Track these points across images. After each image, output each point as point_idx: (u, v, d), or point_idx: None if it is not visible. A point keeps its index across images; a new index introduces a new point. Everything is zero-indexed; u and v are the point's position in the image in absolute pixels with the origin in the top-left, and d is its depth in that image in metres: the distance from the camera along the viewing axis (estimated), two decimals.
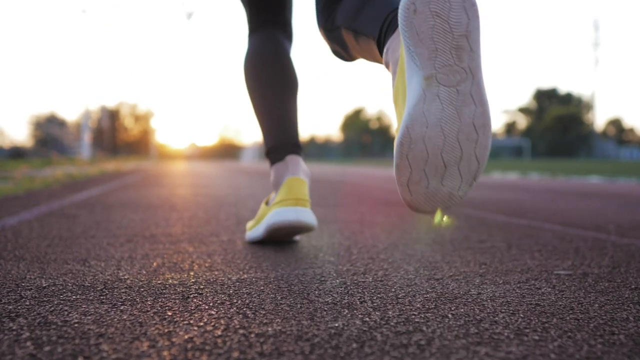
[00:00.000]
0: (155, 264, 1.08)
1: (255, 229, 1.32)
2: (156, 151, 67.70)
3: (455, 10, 0.74)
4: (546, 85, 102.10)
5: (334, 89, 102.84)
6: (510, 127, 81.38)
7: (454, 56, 0.75)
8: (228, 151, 76.40)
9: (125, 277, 0.95)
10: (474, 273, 1.01)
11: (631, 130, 69.94)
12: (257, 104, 1.36)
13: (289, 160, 1.26)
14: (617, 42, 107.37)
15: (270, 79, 1.34)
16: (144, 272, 1.00)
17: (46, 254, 1.17)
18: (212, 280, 0.93)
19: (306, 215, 1.20)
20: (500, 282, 0.94)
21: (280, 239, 1.30)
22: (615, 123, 71.45)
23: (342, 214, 2.12)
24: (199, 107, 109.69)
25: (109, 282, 0.91)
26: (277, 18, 1.39)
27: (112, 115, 72.55)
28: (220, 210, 2.24)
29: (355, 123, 79.00)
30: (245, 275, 0.97)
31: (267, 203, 1.31)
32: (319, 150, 74.12)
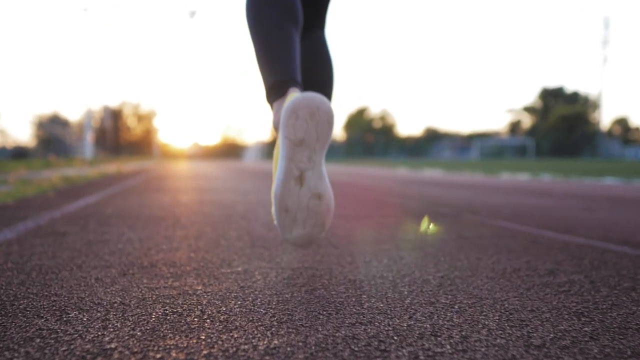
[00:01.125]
0: (153, 316, 0.82)
1: (273, 189, 1.16)
2: (159, 151, 67.53)
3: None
4: (552, 84, 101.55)
5: (338, 88, 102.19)
6: (514, 127, 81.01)
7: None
8: (230, 150, 76.19)
9: (112, 344, 0.70)
10: (575, 331, 0.75)
11: (637, 130, 69.50)
12: (256, 38, 1.29)
13: (290, 92, 1.18)
14: (626, 40, 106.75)
15: (270, 17, 1.27)
16: (138, 333, 0.74)
17: (15, 300, 0.91)
18: (231, 351, 0.68)
19: (315, 97, 1.09)
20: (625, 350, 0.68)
21: (301, 136, 1.07)
22: (622, 122, 71.02)
23: (369, 229, 1.86)
24: (201, 107, 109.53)
25: (88, 357, 0.66)
26: None
27: (115, 115, 72.39)
28: (229, 225, 1.99)
29: (358, 122, 78.69)
30: (276, 341, 0.71)
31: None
32: None
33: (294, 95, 1.10)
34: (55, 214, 2.24)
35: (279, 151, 1.16)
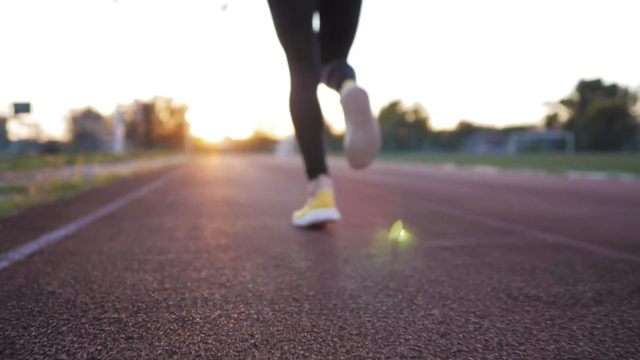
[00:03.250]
0: None
1: (301, 219, 2.00)
2: (191, 145, 67.36)
3: (361, 102, 1.82)
4: (590, 76, 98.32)
5: (369, 81, 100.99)
6: (551, 120, 78.77)
7: (360, 117, 1.84)
8: (262, 145, 75.69)
9: None
10: None
11: None
12: (298, 139, 2.04)
13: (320, 178, 1.96)
14: None
15: (306, 122, 2.00)
16: None
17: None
18: None
19: (334, 212, 1.91)
20: None
21: (316, 225, 1.98)
22: None
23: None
24: (233, 101, 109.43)
25: None
26: (309, 64, 2.03)
27: (148, 109, 72.68)
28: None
29: (390, 116, 77.49)
30: None
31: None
32: None
33: (323, 181, 1.96)
34: None
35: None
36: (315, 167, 1.97)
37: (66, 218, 2.17)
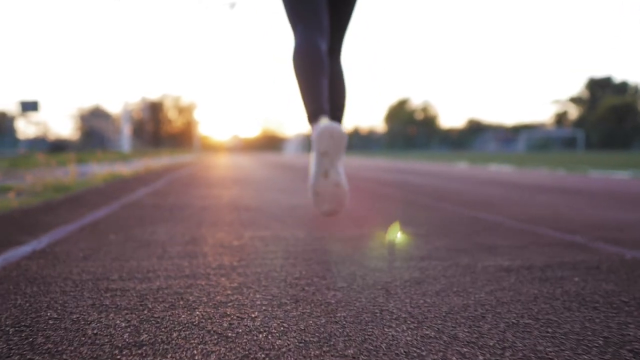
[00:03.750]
0: None
1: (311, 172, 1.96)
2: (199, 143, 67.21)
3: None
4: (600, 73, 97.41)
5: (378, 79, 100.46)
6: (560, 118, 78.16)
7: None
8: (270, 143, 75.44)
9: None
10: None
11: None
12: (299, 83, 2.01)
13: (321, 119, 1.92)
14: None
15: (308, 65, 1.99)
16: None
17: None
18: None
19: (337, 126, 1.86)
20: None
21: (325, 149, 1.85)
22: None
23: None
24: (242, 99, 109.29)
25: None
26: (318, 24, 2.07)
27: (156, 108, 72.63)
28: None
29: (399, 114, 77.09)
30: None
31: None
32: (362, 141, 72.37)
33: (322, 122, 1.88)
34: None
35: (313, 158, 1.92)
36: (316, 108, 1.95)
37: (41, 228, 1.83)
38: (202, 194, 3.28)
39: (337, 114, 2.19)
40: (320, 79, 1.97)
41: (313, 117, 1.94)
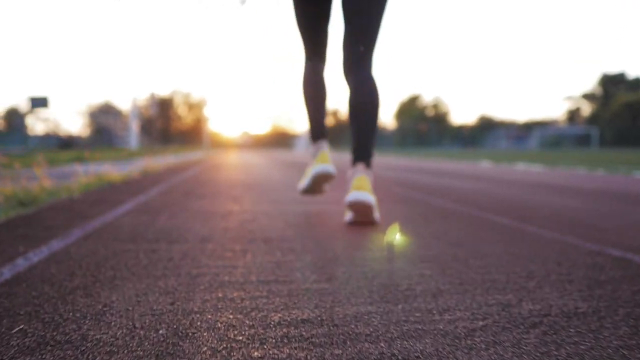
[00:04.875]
0: None
1: (304, 181, 2.43)
2: (209, 140, 66.63)
3: (364, 211, 2.03)
4: (613, 69, 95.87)
5: (388, 75, 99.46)
6: (573, 115, 77.02)
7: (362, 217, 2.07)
8: (280, 140, 74.79)
9: None
10: None
11: None
12: (305, 110, 2.40)
13: (321, 141, 2.35)
14: None
15: (313, 97, 2.38)
16: None
17: None
18: None
19: (332, 168, 2.27)
20: None
21: (318, 184, 2.36)
22: None
23: None
24: (252, 96, 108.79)
25: None
26: (321, 53, 2.41)
27: (166, 104, 72.20)
28: None
29: (410, 110, 76.23)
30: None
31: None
32: None
33: (323, 144, 2.36)
34: None
35: (310, 169, 2.40)
36: (317, 133, 2.38)
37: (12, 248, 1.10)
38: (205, 209, 2.53)
39: (362, 149, 2.14)
40: (322, 104, 2.42)
41: (315, 138, 2.39)
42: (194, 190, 3.67)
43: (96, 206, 2.59)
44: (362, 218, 2.06)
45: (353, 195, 1.97)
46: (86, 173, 4.11)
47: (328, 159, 2.28)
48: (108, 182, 3.90)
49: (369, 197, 1.98)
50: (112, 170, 4.47)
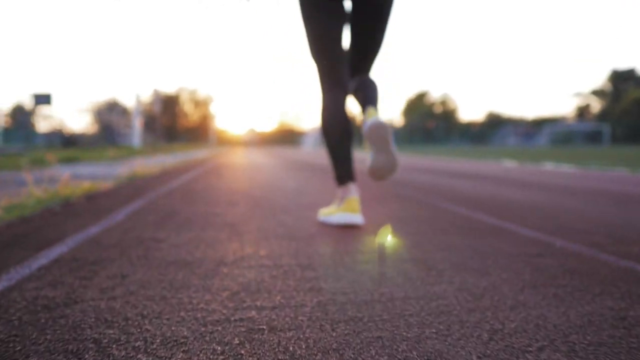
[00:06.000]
0: None
1: (328, 217, 2.19)
2: (215, 137, 66.09)
3: (382, 133, 1.98)
4: (623, 65, 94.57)
5: (396, 72, 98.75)
6: (582, 111, 76.18)
7: (381, 145, 2.00)
8: (287, 137, 74.23)
9: None
10: None
11: None
12: (329, 150, 2.20)
13: (349, 185, 2.15)
14: None
15: (337, 135, 2.17)
16: None
17: None
18: None
19: (359, 218, 2.10)
20: None
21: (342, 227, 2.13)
22: None
23: None
24: (258, 93, 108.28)
25: None
26: (339, 81, 2.20)
27: (172, 101, 71.71)
28: None
29: (418, 107, 75.61)
30: None
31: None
32: None
33: (351, 188, 2.15)
34: None
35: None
36: (344, 175, 2.18)
37: None
38: (179, 258, 1.78)
39: (365, 66, 2.29)
40: (348, 145, 2.20)
41: (341, 182, 2.19)
42: (177, 211, 2.61)
43: (66, 224, 1.85)
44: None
45: (372, 120, 2.05)
46: (51, 181, 3.39)
47: (357, 208, 2.13)
48: (65, 197, 2.90)
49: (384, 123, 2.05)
50: (95, 173, 3.74)
